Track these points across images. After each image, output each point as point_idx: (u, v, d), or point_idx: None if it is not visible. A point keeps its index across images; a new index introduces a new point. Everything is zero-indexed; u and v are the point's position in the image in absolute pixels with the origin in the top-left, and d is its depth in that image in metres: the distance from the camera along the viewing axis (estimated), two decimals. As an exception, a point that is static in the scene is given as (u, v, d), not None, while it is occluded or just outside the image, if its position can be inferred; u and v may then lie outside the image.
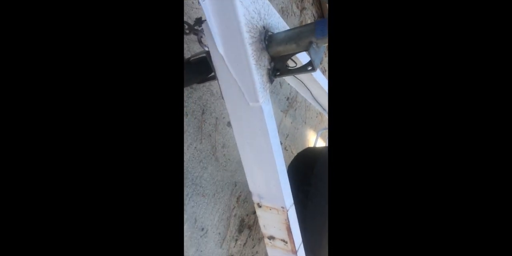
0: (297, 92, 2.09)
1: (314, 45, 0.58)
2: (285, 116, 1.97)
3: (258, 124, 0.68)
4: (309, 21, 2.38)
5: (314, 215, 1.14)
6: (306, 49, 0.60)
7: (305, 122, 2.21)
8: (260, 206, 0.81)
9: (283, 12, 1.92)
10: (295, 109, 2.08)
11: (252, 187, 0.79)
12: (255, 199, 0.81)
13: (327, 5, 2.49)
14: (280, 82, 1.91)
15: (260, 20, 0.63)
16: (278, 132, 1.90)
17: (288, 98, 2.00)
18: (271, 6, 0.67)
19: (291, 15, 2.03)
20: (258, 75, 0.63)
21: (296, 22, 2.09)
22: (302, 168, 1.22)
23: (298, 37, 0.60)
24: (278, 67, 0.68)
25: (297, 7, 2.13)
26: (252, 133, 0.70)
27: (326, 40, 0.57)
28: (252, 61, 0.60)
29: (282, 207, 0.75)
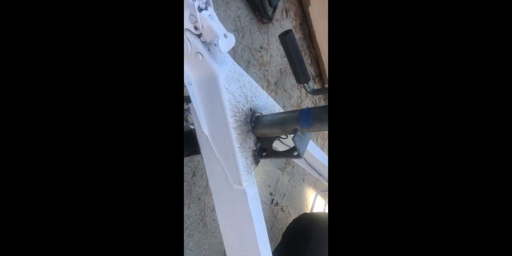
0: (295, 149, 2.07)
1: (299, 133, 0.57)
2: (282, 174, 1.91)
3: (242, 208, 0.63)
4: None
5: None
6: (291, 134, 0.58)
7: (303, 180, 2.14)
8: (242, 299, 0.71)
9: (281, 73, 2.01)
10: (293, 166, 2.04)
11: (234, 275, 0.70)
12: (237, 289, 0.71)
13: (327, 68, 2.62)
14: (277, 140, 1.90)
15: (247, 103, 0.63)
16: (275, 191, 1.82)
17: (285, 156, 1.97)
18: (259, 88, 0.68)
19: (289, 75, 2.12)
20: (242, 158, 0.60)
21: (294, 82, 2.17)
22: (296, 242, 1.12)
23: (283, 123, 0.59)
24: (264, 147, 0.66)
25: (296, 68, 2.23)
26: (235, 217, 0.65)
27: (311, 129, 0.56)
28: (236, 145, 0.58)
29: (266, 303, 0.65)
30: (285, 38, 0.57)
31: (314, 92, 0.62)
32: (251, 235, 0.64)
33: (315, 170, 1.24)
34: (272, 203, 1.78)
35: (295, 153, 0.59)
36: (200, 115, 0.60)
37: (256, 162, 0.65)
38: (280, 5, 2.04)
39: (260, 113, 0.66)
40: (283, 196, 1.89)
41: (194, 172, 1.23)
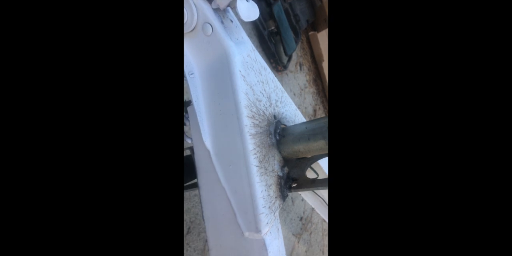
0: (312, 210, 1.75)
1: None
2: (298, 242, 1.56)
3: (257, 275, 0.37)
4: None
5: None
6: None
7: (323, 252, 1.75)
8: None
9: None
10: (310, 233, 1.68)
11: None
12: None
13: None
14: (291, 197, 1.62)
15: (270, 106, 0.44)
16: (289, 264, 1.44)
17: (301, 218, 1.65)
18: (286, 94, 0.50)
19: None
20: (261, 185, 0.38)
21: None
22: None
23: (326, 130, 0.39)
24: (294, 176, 0.44)
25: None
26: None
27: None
28: (253, 161, 0.37)
29: None
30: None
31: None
32: None
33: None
34: (286, 281, 1.38)
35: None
36: (202, 119, 0.41)
37: (283, 196, 0.42)
38: (294, 58, 2.05)
39: (285, 125, 0.47)
40: (300, 272, 1.50)
41: (189, 228, 0.95)
